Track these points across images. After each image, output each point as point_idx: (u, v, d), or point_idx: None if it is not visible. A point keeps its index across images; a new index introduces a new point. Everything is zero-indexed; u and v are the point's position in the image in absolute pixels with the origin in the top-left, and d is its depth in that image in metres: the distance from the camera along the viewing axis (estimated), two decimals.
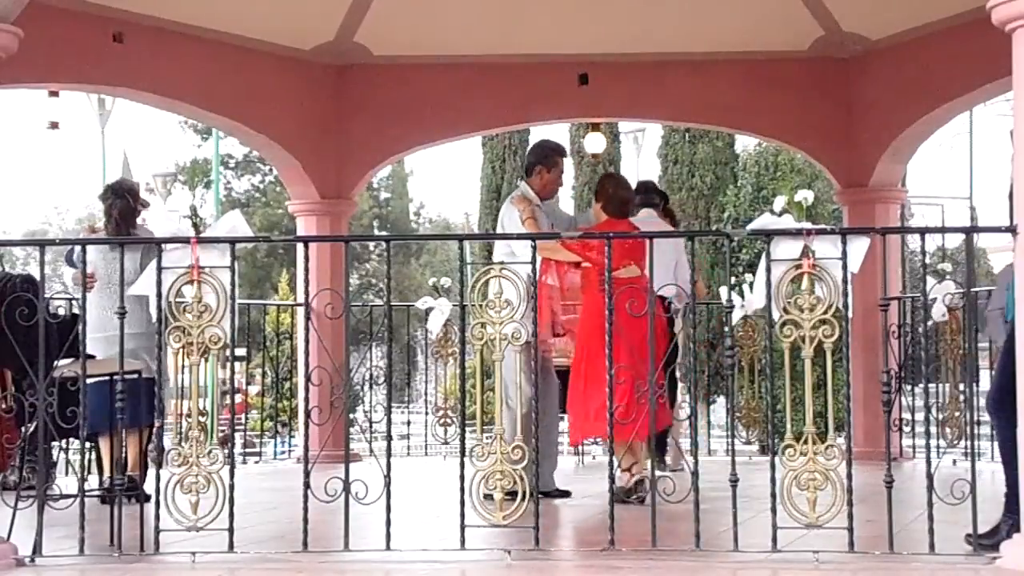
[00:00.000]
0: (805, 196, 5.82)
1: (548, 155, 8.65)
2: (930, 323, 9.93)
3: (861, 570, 5.36)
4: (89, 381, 5.95)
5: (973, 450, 6.72)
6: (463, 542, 5.60)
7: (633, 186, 9.22)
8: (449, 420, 11.87)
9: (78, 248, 8.36)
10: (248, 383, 24.09)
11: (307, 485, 5.57)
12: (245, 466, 11.74)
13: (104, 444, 8.04)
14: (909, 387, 10.67)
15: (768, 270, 5.63)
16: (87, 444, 7.81)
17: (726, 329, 6.59)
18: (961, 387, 10.02)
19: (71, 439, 7.66)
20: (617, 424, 7.87)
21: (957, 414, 10.05)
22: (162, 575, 5.54)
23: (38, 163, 71.06)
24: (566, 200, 30.34)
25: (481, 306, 5.67)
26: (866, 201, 11.64)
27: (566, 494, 8.26)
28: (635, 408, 7.96)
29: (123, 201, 8.50)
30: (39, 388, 5.63)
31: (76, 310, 7.61)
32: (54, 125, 12.09)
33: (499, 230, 8.18)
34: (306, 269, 5.87)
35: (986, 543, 5.48)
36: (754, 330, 11.39)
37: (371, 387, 13.42)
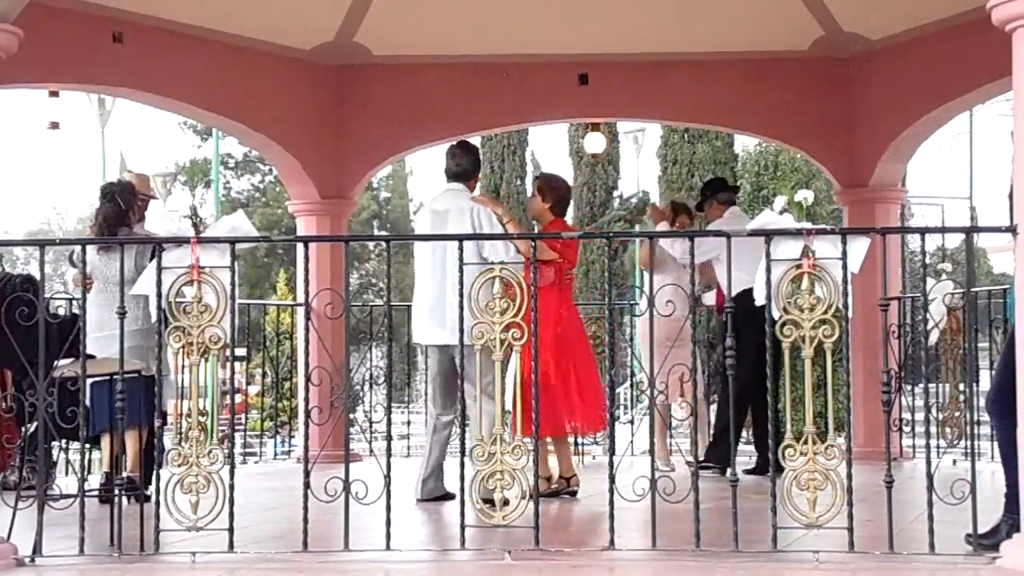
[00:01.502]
0: (805, 196, 5.83)
1: (480, 165, 8.64)
2: (931, 326, 9.91)
3: (861, 570, 5.36)
4: (89, 381, 5.95)
5: (973, 450, 6.71)
6: (463, 542, 5.60)
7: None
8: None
9: (77, 248, 8.39)
10: (248, 383, 24.10)
11: (307, 485, 5.57)
12: (245, 466, 11.75)
13: (106, 442, 8.03)
14: (909, 387, 10.67)
15: (768, 270, 5.63)
16: (89, 444, 7.82)
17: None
18: (961, 387, 10.02)
19: (71, 440, 7.68)
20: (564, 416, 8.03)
21: (957, 414, 10.04)
22: (162, 575, 5.53)
23: (38, 163, 71.16)
24: None
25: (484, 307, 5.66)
26: (866, 201, 11.64)
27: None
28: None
29: (110, 204, 8.46)
30: (39, 388, 5.63)
31: (76, 310, 7.61)
32: (54, 125, 12.08)
33: (474, 228, 8.00)
34: (306, 269, 5.87)
35: (986, 543, 5.48)
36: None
37: (371, 387, 13.42)
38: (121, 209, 8.46)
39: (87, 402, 6.50)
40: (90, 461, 8.08)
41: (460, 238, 6.08)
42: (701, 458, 9.58)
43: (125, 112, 35.70)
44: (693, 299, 5.93)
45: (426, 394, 8.41)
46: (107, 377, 6.67)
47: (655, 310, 5.77)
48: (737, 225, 9.42)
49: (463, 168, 8.35)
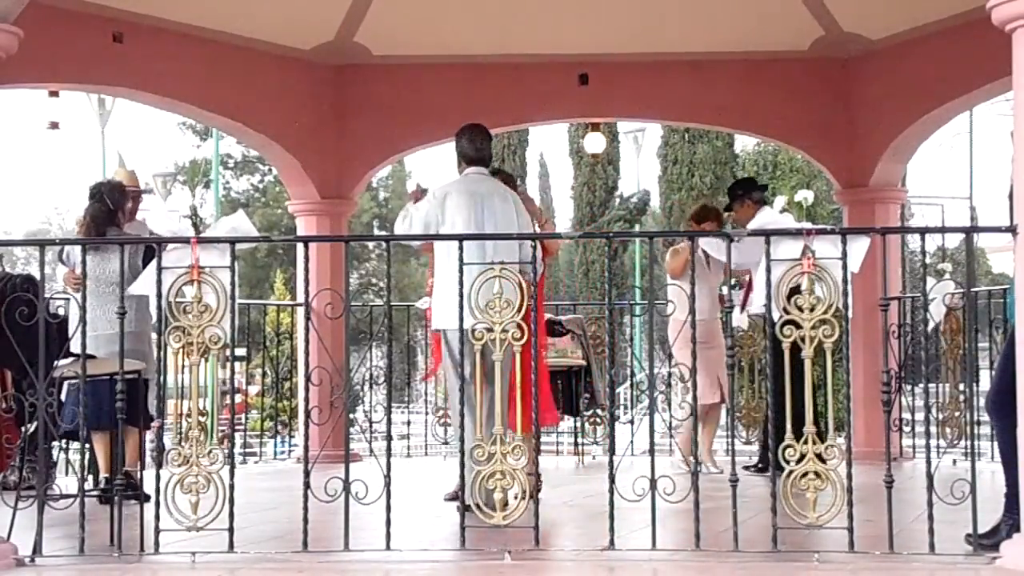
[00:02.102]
0: (805, 196, 5.83)
1: None
2: (931, 326, 9.91)
3: (861, 570, 5.36)
4: (74, 381, 5.95)
5: (973, 450, 6.72)
6: (463, 542, 5.61)
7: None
8: (449, 420, 11.87)
9: (67, 246, 8.38)
10: (248, 383, 24.09)
11: (307, 485, 5.57)
12: (245, 466, 11.74)
13: (98, 444, 8.01)
14: (909, 387, 10.66)
15: (768, 270, 5.63)
16: (67, 439, 7.82)
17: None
18: (961, 387, 10.02)
19: (66, 439, 7.68)
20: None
21: (957, 414, 10.04)
22: (162, 575, 5.54)
23: (38, 163, 71.20)
24: (566, 201, 30.47)
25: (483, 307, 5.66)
26: (866, 201, 11.65)
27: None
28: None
29: (98, 204, 8.45)
30: (39, 388, 5.63)
31: (75, 310, 7.60)
32: (54, 125, 12.08)
33: (516, 224, 7.77)
34: (306, 269, 5.87)
35: (986, 543, 5.48)
36: (754, 330, 11.38)
37: (371, 387, 13.42)
38: (110, 209, 8.44)
39: (62, 398, 6.51)
40: (90, 461, 8.08)
41: (460, 237, 6.08)
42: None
43: (125, 112, 35.78)
44: (692, 299, 5.91)
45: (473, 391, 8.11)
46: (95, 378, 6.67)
47: (656, 310, 5.78)
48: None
49: (484, 153, 8.09)
